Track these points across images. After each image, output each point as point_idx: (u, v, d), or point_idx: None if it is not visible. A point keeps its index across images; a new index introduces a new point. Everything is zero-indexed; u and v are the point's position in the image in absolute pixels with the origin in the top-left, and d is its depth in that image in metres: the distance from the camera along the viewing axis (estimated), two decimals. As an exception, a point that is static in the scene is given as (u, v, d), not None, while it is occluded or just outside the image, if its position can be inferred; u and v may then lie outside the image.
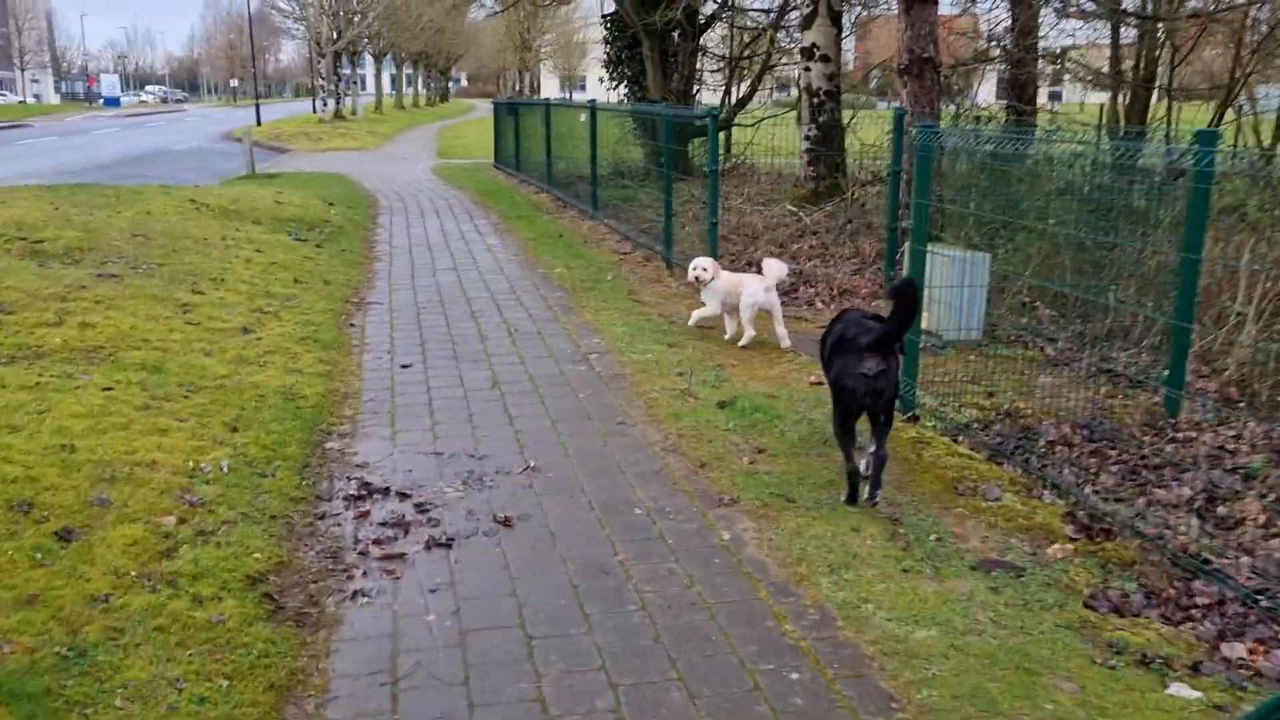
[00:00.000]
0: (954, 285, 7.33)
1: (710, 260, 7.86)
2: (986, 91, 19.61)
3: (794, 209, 13.12)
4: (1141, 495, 4.65)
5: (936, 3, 9.81)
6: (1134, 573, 4.02)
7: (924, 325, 7.58)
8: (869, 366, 4.49)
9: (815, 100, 13.48)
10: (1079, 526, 4.43)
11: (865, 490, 4.69)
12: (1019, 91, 13.26)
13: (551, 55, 73.48)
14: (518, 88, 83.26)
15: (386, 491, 4.80)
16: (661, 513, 4.62)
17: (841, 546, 4.27)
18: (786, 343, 7.51)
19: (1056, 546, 4.26)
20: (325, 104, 40.55)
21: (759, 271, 7.63)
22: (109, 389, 5.52)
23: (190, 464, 4.73)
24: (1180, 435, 5.31)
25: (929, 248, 6.11)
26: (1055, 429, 5.47)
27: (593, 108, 13.97)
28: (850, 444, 4.70)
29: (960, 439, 5.53)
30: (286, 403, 5.84)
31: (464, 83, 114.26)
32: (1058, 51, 14.52)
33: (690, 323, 8.04)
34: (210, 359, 6.44)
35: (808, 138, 13.58)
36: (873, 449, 4.70)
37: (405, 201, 16.88)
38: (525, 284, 9.92)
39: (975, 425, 5.65)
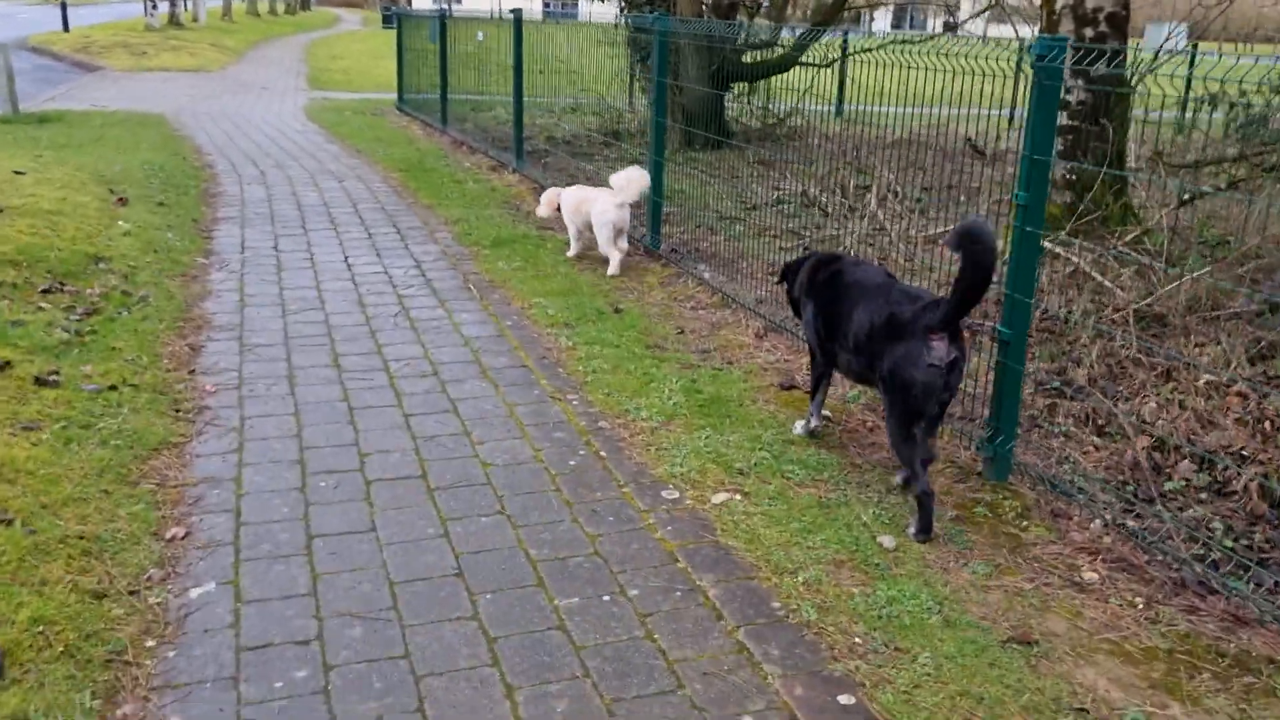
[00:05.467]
0: None
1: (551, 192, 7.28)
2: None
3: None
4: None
5: None
6: None
7: None
8: (939, 354, 3.39)
9: (1089, 32, 6.97)
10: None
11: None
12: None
13: (432, -39, 64.03)
14: (391, -3, 73.15)
15: None
16: None
17: None
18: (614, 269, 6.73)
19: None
20: (155, 7, 31.60)
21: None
22: None
23: None
24: None
25: None
26: None
27: (662, 27, 7.08)
28: (917, 455, 3.54)
29: None
30: None
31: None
32: None
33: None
34: None
35: (1064, 105, 7.06)
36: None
37: (268, 182, 9.64)
38: (653, 562, 3.20)
39: None
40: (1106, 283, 6.13)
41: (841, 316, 3.88)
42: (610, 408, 4.58)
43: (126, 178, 8.89)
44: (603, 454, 4.13)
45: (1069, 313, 5.80)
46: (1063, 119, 7.10)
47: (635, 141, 11.44)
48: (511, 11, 9.75)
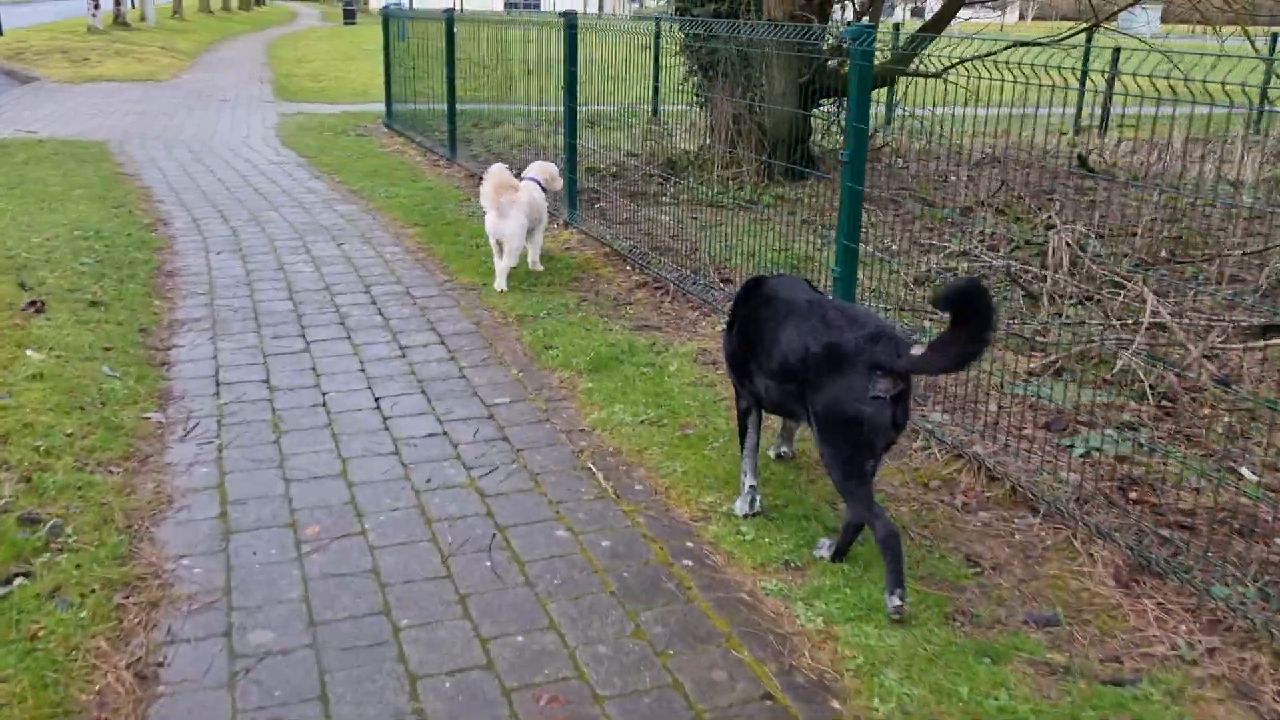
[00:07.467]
0: None
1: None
2: None
3: None
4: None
5: None
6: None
7: None
8: (884, 387, 3.02)
9: None
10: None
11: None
12: None
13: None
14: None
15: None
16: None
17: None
18: (501, 284, 6.21)
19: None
20: (98, 6, 28.66)
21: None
22: None
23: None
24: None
25: None
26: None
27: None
28: (871, 494, 3.14)
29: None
30: None
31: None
32: None
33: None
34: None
35: None
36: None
37: (243, 248, 7.18)
38: None
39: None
40: None
41: (762, 332, 3.46)
42: None
43: (49, 256, 6.43)
44: None
45: None
46: None
47: (699, 177, 9.09)
48: (562, 14, 7.35)
